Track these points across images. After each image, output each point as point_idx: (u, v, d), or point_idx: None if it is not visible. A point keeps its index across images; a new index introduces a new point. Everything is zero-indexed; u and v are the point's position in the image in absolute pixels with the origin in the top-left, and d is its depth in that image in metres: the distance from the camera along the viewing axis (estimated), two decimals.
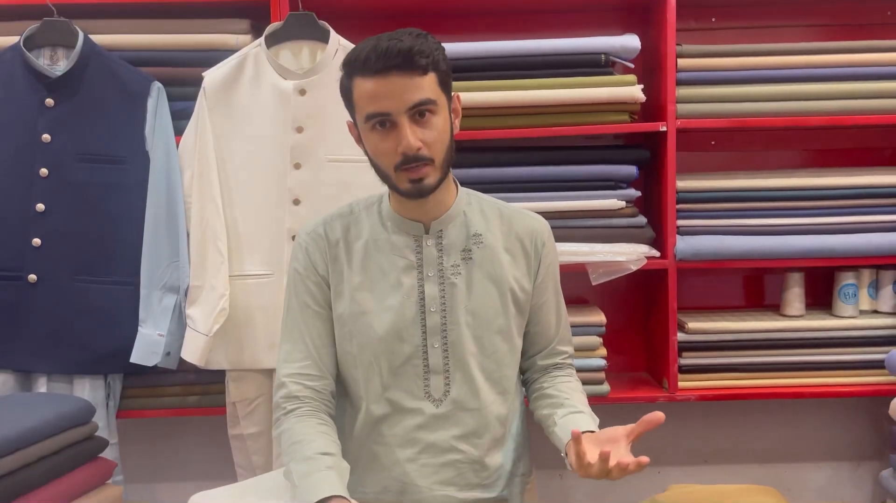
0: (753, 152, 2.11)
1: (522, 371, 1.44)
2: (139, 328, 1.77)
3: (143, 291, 1.78)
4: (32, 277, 1.76)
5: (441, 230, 1.32)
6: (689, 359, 1.92)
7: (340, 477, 1.18)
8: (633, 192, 1.89)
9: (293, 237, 1.74)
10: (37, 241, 1.76)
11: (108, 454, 1.65)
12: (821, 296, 2.04)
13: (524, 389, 1.46)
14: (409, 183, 1.23)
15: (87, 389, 1.81)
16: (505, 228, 1.36)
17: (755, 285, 2.16)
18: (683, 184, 1.88)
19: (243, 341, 1.78)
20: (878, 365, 1.86)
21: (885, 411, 1.73)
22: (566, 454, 1.23)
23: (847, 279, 1.96)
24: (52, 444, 1.26)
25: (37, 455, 1.22)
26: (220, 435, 1.88)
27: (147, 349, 1.77)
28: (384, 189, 1.33)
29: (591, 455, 1.13)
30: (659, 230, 1.92)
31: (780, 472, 2.18)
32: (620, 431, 1.17)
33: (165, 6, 1.83)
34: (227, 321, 1.73)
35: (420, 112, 1.20)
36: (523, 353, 1.41)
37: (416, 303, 1.30)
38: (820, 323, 1.93)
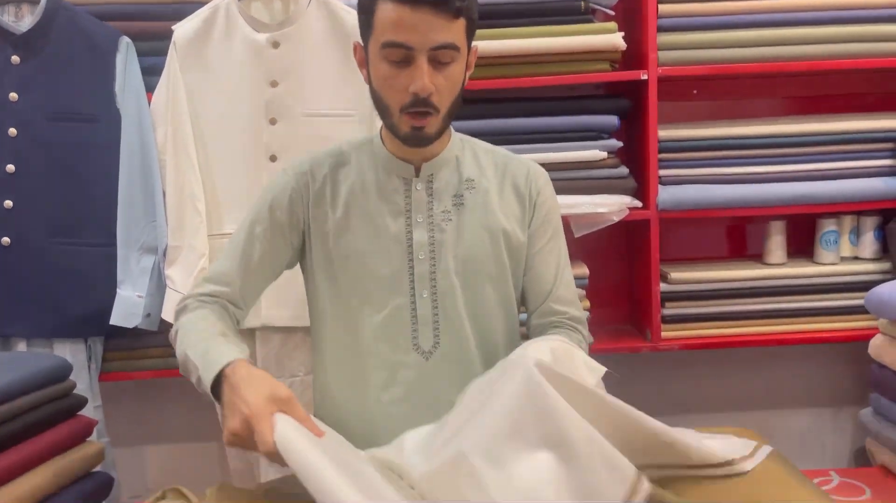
0: (735, 100, 2.09)
1: (525, 337, 1.37)
2: (118, 290, 1.75)
3: (120, 252, 1.75)
4: (6, 240, 1.73)
5: (432, 174, 1.27)
6: (671, 310, 1.93)
7: (240, 348, 1.11)
8: (615, 143, 1.87)
9: None
10: (8, 203, 1.73)
11: (90, 415, 1.64)
12: (803, 244, 2.05)
13: None
14: (411, 129, 1.18)
15: (68, 353, 1.79)
16: (499, 174, 1.31)
17: (738, 235, 2.16)
18: (665, 133, 1.86)
19: None
20: (858, 310, 1.87)
21: (865, 355, 1.75)
22: None
23: (828, 226, 1.96)
24: (29, 401, 1.25)
25: (14, 411, 1.22)
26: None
27: (126, 311, 1.75)
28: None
29: None
30: (641, 180, 1.90)
31: (762, 419, 2.20)
32: None
33: None
34: None
35: (441, 56, 1.14)
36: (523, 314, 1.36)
37: (404, 251, 1.25)
38: (801, 270, 1.94)
